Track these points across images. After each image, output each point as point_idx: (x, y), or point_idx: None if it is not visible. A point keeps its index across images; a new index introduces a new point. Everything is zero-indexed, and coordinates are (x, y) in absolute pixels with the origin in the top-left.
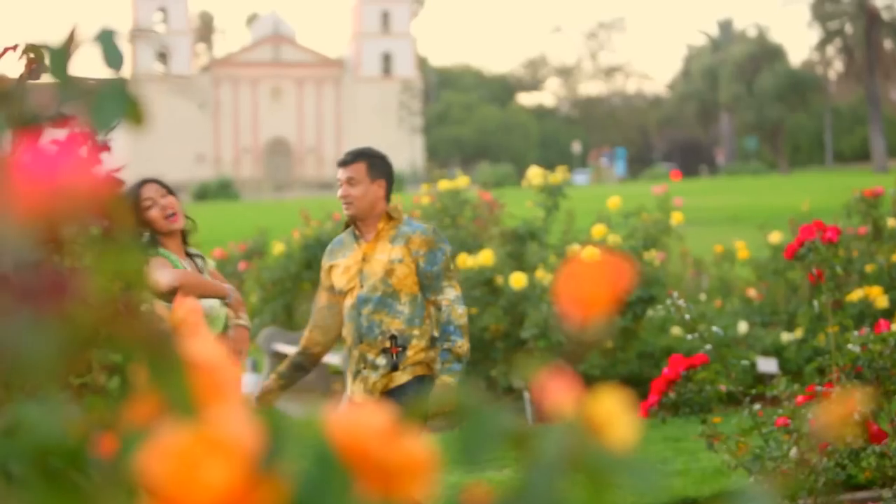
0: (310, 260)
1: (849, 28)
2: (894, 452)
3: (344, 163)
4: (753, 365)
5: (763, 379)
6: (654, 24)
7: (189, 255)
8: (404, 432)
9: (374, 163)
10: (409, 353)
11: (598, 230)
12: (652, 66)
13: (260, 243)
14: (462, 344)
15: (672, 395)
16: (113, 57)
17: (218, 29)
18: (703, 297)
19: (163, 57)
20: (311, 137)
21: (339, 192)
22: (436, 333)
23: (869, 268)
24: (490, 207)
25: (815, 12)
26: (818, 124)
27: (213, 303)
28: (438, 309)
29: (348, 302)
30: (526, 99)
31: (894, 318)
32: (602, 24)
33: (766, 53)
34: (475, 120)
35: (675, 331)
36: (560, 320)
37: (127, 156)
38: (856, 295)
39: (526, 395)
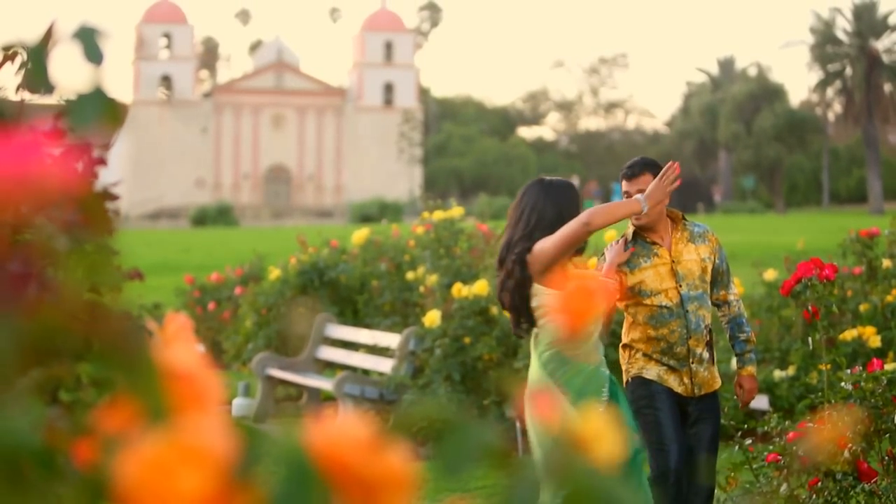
0: (305, 286)
1: (849, 70)
2: (884, 491)
3: (632, 175)
4: None
5: (754, 415)
6: (656, 60)
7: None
8: (385, 446)
9: (657, 173)
10: (713, 348)
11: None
12: (652, 102)
13: (256, 268)
14: (753, 335)
15: None
16: (93, 53)
17: (222, 56)
18: None
19: (166, 82)
20: (311, 165)
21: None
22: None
23: (863, 307)
24: (485, 238)
25: (815, 54)
26: (816, 165)
27: None
28: (725, 303)
29: (660, 301)
30: (526, 132)
31: (887, 358)
32: (603, 59)
33: (766, 93)
34: (475, 152)
35: None
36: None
37: (127, 178)
38: (849, 334)
39: (518, 425)
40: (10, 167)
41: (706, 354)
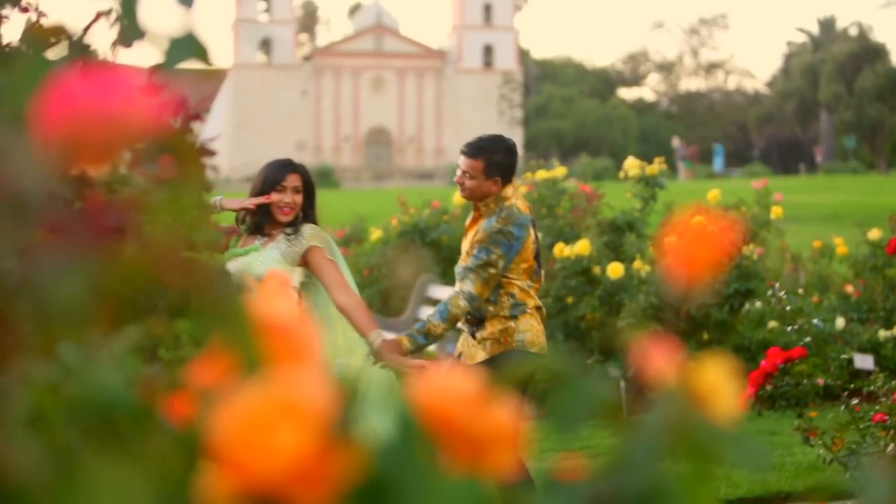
0: (407, 246)
1: None
2: None
3: (464, 154)
4: (850, 361)
5: (859, 375)
6: (756, 21)
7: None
8: (492, 400)
9: (492, 161)
10: (487, 325)
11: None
12: (752, 62)
13: (358, 229)
14: (438, 325)
15: (769, 388)
16: None
17: (321, 19)
18: (800, 292)
19: (265, 45)
20: (411, 127)
21: (457, 176)
22: (514, 312)
23: None
24: (588, 198)
25: None
26: None
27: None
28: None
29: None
30: (626, 93)
31: None
32: (703, 20)
33: (868, 53)
34: (575, 113)
35: (772, 325)
36: (665, 280)
37: (228, 141)
38: None
39: (622, 384)
40: (105, 105)
41: (466, 329)
